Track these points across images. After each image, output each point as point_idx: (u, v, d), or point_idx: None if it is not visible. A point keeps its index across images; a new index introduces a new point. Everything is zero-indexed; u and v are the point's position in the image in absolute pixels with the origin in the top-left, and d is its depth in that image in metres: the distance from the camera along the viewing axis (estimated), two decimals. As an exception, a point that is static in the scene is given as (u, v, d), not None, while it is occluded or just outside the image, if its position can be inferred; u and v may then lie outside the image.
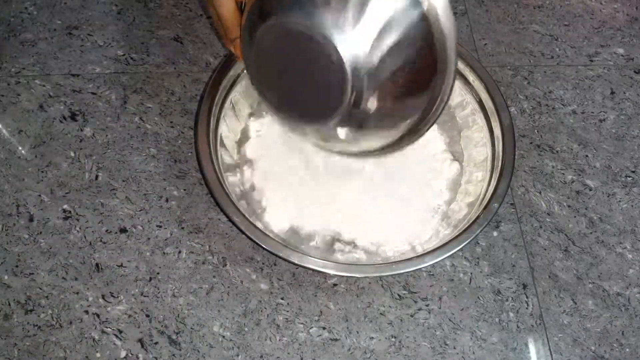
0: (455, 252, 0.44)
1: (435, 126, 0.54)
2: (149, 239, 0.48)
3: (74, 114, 0.53)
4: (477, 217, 0.45)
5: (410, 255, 0.45)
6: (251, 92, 0.52)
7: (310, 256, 0.43)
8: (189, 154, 0.52)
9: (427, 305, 0.48)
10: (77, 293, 0.46)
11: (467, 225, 0.45)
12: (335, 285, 0.48)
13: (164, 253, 0.48)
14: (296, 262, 0.42)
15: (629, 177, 0.56)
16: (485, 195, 0.47)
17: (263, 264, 0.48)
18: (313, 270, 0.43)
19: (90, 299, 0.46)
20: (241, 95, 0.51)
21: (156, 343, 0.45)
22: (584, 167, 0.56)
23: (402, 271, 0.44)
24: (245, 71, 0.50)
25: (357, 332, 0.46)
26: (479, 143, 0.51)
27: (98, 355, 0.44)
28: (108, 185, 0.50)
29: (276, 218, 0.48)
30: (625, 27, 0.65)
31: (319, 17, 0.36)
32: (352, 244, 0.48)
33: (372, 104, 0.38)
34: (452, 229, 0.47)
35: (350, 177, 0.51)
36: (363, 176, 0.51)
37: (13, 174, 0.50)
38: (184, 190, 0.51)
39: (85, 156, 0.51)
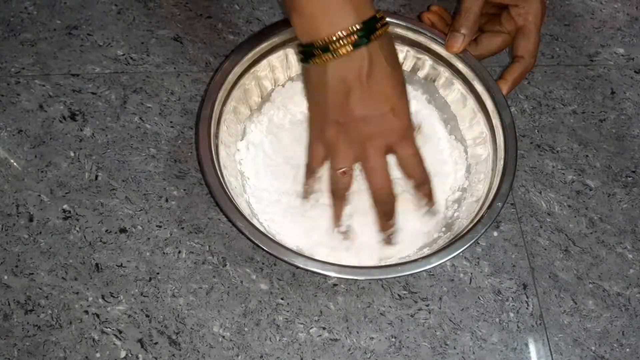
0: (459, 253, 0.44)
1: (438, 126, 0.54)
2: (148, 239, 0.48)
3: (73, 114, 0.53)
4: (482, 217, 0.45)
5: (416, 256, 0.44)
6: (251, 93, 0.52)
7: (312, 258, 0.43)
8: (189, 154, 0.52)
9: (427, 305, 0.48)
10: (77, 293, 0.46)
11: (471, 225, 0.45)
12: (335, 285, 0.48)
13: (163, 253, 0.48)
14: (300, 265, 0.42)
15: (629, 177, 0.56)
16: (488, 194, 0.47)
17: (263, 264, 0.48)
18: (314, 272, 0.43)
19: (90, 299, 0.46)
20: (242, 96, 0.51)
21: (156, 343, 0.45)
22: (584, 167, 0.56)
23: (407, 273, 0.44)
24: (245, 72, 0.50)
25: (357, 332, 0.46)
26: (480, 142, 0.51)
27: (98, 355, 0.44)
28: (108, 185, 0.50)
29: (284, 239, 0.48)
30: (626, 27, 0.65)
31: None
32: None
33: None
34: (456, 228, 0.47)
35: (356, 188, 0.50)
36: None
37: (13, 174, 0.50)
38: (184, 190, 0.51)
39: (85, 156, 0.51)
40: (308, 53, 0.41)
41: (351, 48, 0.40)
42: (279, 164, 0.51)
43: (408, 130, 0.44)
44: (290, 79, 0.54)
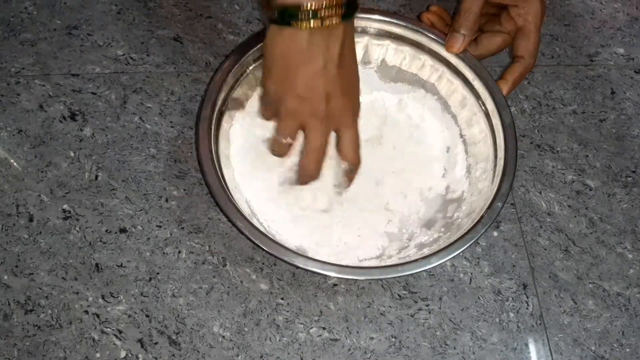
0: (459, 252, 0.44)
1: (439, 126, 0.54)
2: (148, 239, 0.48)
3: (73, 114, 0.53)
4: (482, 217, 0.45)
5: (416, 256, 0.44)
6: (250, 93, 0.52)
7: (312, 258, 0.43)
8: (189, 154, 0.52)
9: (427, 305, 0.48)
10: (77, 293, 0.46)
11: (471, 225, 0.45)
12: (335, 285, 0.48)
13: (163, 253, 0.48)
14: (300, 265, 0.42)
15: (629, 177, 0.56)
16: (487, 194, 0.47)
17: (263, 264, 0.48)
18: (314, 272, 0.43)
19: (90, 299, 0.46)
20: (241, 95, 0.51)
21: (156, 343, 0.45)
22: (584, 167, 0.56)
23: (407, 273, 0.44)
24: (245, 71, 0.50)
25: (357, 332, 0.46)
26: (480, 142, 0.51)
27: (98, 355, 0.44)
28: (108, 185, 0.50)
29: (285, 238, 0.48)
30: (626, 27, 0.65)
31: None
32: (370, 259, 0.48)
33: None
34: (455, 228, 0.47)
35: (357, 191, 0.50)
36: (370, 188, 0.51)
37: (13, 174, 0.50)
38: (184, 190, 0.51)
39: (85, 156, 0.51)
40: (288, 14, 0.39)
41: (339, 20, 0.39)
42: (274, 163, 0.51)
43: (358, 114, 0.45)
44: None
